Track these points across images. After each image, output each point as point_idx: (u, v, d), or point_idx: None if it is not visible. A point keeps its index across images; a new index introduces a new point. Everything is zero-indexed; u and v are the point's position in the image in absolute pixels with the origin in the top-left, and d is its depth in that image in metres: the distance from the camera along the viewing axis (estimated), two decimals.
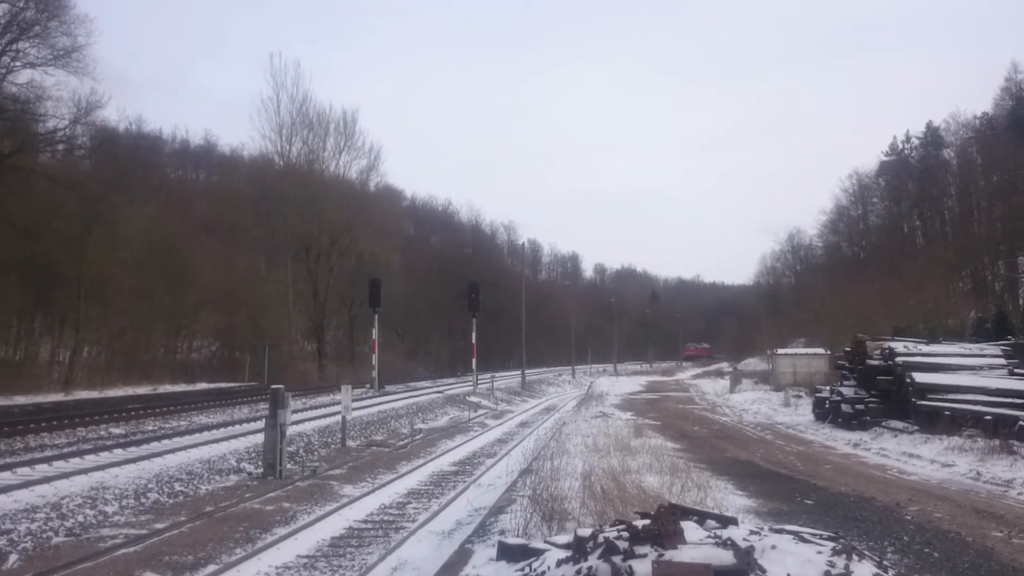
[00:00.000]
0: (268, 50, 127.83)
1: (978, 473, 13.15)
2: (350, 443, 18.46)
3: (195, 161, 78.51)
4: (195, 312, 42.28)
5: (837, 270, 61.99)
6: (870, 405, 20.83)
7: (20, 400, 24.21)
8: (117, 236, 34.96)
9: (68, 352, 33.83)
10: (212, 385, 35.11)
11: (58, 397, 26.60)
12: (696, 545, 4.67)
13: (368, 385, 35.56)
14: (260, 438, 14.85)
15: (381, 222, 56.63)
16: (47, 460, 13.42)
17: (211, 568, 7.94)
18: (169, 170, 68.12)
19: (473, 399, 33.98)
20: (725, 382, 48.67)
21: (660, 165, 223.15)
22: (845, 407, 21.39)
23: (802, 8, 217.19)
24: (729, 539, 4.81)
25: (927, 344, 22.36)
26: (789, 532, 5.08)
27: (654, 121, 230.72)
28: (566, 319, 77.91)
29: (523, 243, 78.06)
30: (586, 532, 5.25)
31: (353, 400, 19.99)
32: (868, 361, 21.82)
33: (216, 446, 15.83)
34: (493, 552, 6.62)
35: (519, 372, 52.47)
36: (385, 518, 10.81)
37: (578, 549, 5.00)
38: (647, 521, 4.94)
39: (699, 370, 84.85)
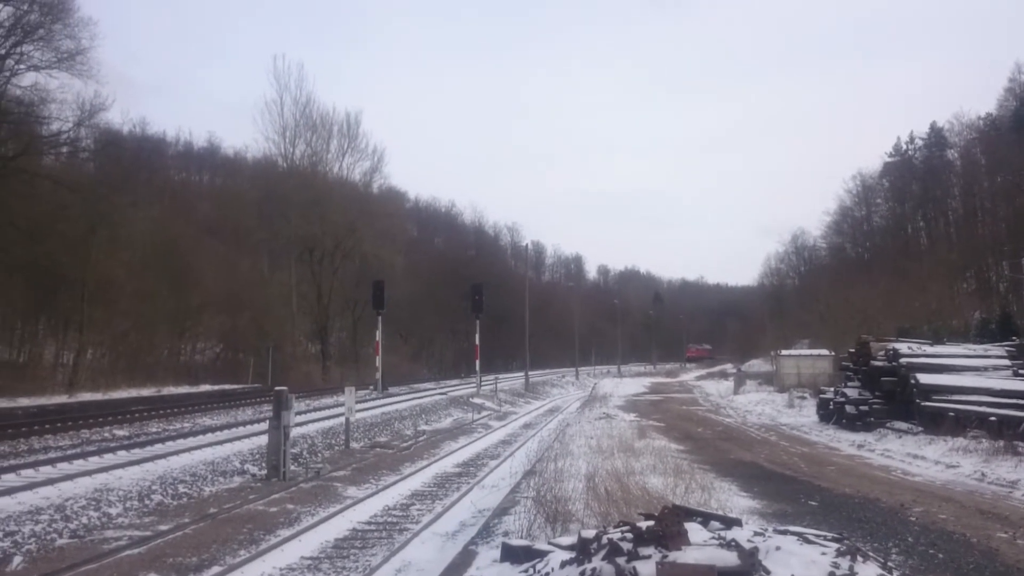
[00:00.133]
0: (272, 53, 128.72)
1: (983, 474, 13.12)
2: (354, 445, 18.47)
3: (199, 163, 78.82)
4: (199, 314, 42.25)
5: (841, 271, 61.86)
6: (874, 406, 20.79)
7: (24, 402, 24.21)
8: (121, 238, 34.99)
9: (72, 354, 33.83)
10: (216, 387, 35.07)
11: (62, 399, 26.59)
12: (700, 546, 4.66)
13: (372, 387, 35.55)
14: (264, 440, 14.85)
15: (385, 224, 56.54)
16: (51, 462, 13.42)
17: (215, 570, 7.95)
18: (173, 172, 68.42)
19: (477, 401, 33.96)
20: (729, 383, 48.50)
21: (660, 165, 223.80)
22: (849, 408, 21.36)
23: (802, 8, 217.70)
24: (733, 540, 4.80)
25: (931, 345, 22.31)
26: (793, 533, 5.06)
27: (654, 121, 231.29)
28: (570, 320, 77.84)
29: (526, 244, 77.89)
30: (590, 533, 5.24)
31: (357, 402, 19.97)
32: (872, 362, 21.80)
33: (220, 448, 15.83)
34: (497, 554, 6.62)
35: (523, 374, 52.47)
36: (389, 520, 10.82)
37: (582, 550, 4.99)
38: (651, 522, 4.93)
39: (703, 371, 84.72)
